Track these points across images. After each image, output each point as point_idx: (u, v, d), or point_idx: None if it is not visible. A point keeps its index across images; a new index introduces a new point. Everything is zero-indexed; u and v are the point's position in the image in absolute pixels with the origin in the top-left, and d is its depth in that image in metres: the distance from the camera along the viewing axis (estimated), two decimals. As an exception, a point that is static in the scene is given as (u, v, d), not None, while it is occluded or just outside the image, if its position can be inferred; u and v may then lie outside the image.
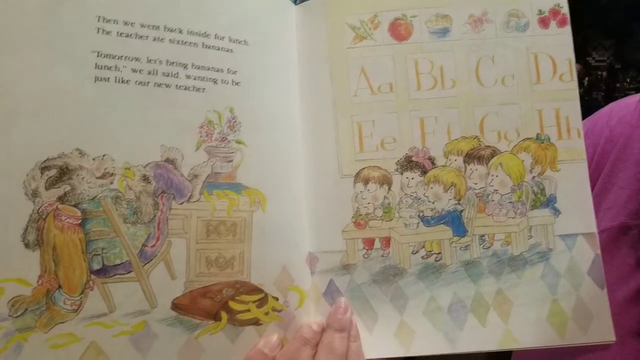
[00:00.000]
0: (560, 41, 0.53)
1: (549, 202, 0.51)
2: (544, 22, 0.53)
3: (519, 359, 0.62)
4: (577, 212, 0.51)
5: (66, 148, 0.43)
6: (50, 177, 0.43)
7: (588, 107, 0.67)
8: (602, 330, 0.49)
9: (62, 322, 0.43)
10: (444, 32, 0.52)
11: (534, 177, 0.52)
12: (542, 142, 0.52)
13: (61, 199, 0.43)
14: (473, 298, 0.50)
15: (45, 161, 0.43)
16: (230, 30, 0.49)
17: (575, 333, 0.50)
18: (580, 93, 0.52)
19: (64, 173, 0.43)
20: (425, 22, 0.52)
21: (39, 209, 0.43)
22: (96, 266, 0.44)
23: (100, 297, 0.44)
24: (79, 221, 0.44)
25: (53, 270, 0.43)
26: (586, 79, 1.60)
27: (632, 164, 0.57)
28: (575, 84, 0.52)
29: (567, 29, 0.53)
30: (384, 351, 0.50)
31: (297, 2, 0.54)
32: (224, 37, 0.49)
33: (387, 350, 0.50)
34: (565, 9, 0.53)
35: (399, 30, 0.52)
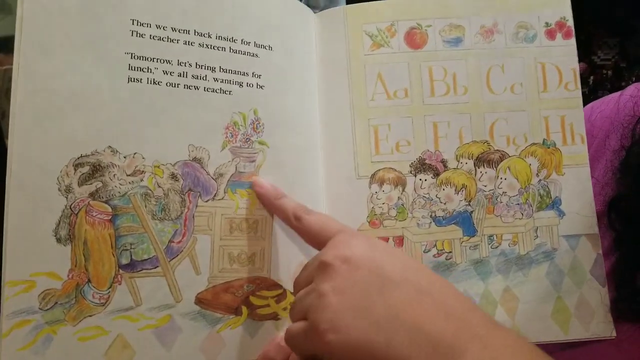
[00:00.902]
0: (566, 52, 0.57)
1: (554, 204, 0.55)
2: (550, 34, 0.57)
3: None
4: (580, 214, 0.55)
5: (99, 146, 0.46)
6: (83, 173, 0.45)
7: None
8: (603, 326, 0.53)
9: (90, 316, 0.45)
10: (457, 41, 0.56)
11: (540, 181, 0.55)
12: (548, 147, 0.55)
13: (93, 195, 0.45)
14: (482, 295, 0.54)
15: (78, 158, 0.45)
16: (256, 36, 0.52)
17: (578, 329, 0.53)
18: (585, 92, 0.56)
19: (97, 170, 0.45)
20: (439, 32, 0.56)
21: (71, 204, 0.45)
22: (124, 261, 0.46)
23: (127, 291, 0.46)
24: (110, 217, 0.46)
25: (83, 264, 0.45)
26: (591, 77, 1.64)
27: (609, 156, 0.60)
28: (579, 92, 0.56)
29: (572, 41, 0.57)
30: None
31: (317, 10, 0.57)
32: (250, 43, 0.52)
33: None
34: (570, 22, 0.57)
35: (415, 39, 0.56)
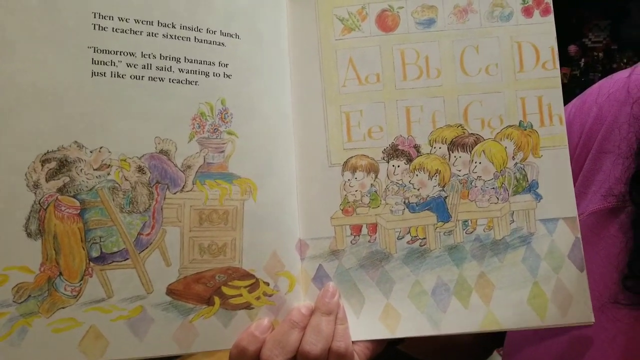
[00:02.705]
0: (544, 30, 0.57)
1: (531, 188, 0.56)
2: (527, 12, 0.57)
3: (510, 336, 0.68)
4: (558, 197, 0.56)
5: (65, 141, 0.48)
6: (50, 169, 0.47)
7: (585, 89, 0.70)
8: (582, 311, 0.54)
9: (63, 308, 0.48)
10: (430, 22, 0.57)
11: (516, 164, 0.56)
12: (525, 129, 0.56)
13: (61, 190, 0.48)
14: (456, 281, 0.55)
15: (45, 154, 0.47)
16: (222, 24, 0.54)
17: (555, 315, 0.54)
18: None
19: (63, 165, 0.48)
20: (411, 13, 0.57)
21: (40, 199, 0.47)
22: (94, 254, 0.49)
23: (98, 283, 0.49)
24: (78, 211, 0.49)
25: (54, 258, 0.48)
26: (582, 60, 1.65)
27: (619, 144, 0.61)
28: (557, 72, 0.57)
29: (550, 18, 0.57)
30: (371, 333, 0.55)
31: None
32: (215, 31, 0.53)
33: (374, 332, 0.55)
34: (549, -1, 0.57)
35: (386, 22, 0.57)
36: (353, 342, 0.54)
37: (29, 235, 0.47)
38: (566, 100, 0.70)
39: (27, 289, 0.47)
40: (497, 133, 0.56)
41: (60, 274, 0.48)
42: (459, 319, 0.55)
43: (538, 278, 0.55)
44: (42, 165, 0.47)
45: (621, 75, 0.66)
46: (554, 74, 0.56)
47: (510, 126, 0.56)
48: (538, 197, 0.56)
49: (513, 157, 0.56)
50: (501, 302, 0.55)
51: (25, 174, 0.47)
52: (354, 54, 0.57)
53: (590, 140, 0.64)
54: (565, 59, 1.72)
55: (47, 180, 0.47)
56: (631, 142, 0.59)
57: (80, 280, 0.49)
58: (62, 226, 0.48)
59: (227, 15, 0.54)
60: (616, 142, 0.61)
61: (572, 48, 1.62)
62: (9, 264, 0.46)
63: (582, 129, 0.65)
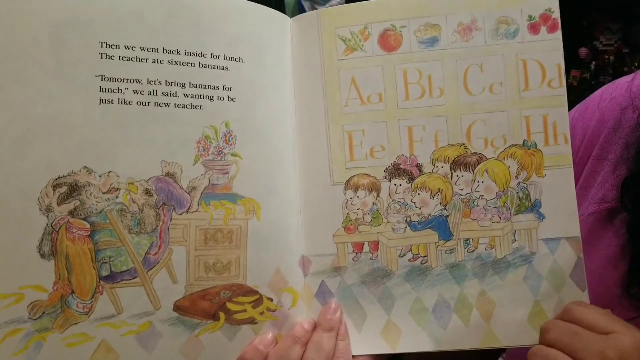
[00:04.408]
0: (551, 47, 0.57)
1: (534, 207, 0.57)
2: (534, 29, 0.57)
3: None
4: (562, 217, 0.56)
5: (75, 167, 0.51)
6: (61, 193, 0.51)
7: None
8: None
9: (76, 324, 0.51)
10: (433, 41, 0.57)
11: (519, 183, 0.57)
12: (529, 149, 0.57)
13: (72, 213, 0.51)
14: (457, 299, 0.57)
15: (57, 179, 0.50)
16: (226, 49, 0.56)
17: (556, 333, 0.56)
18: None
19: (74, 190, 0.51)
20: (414, 33, 0.57)
21: (52, 222, 0.50)
22: (105, 273, 0.52)
23: (109, 300, 0.52)
24: (89, 233, 0.52)
25: (66, 277, 0.51)
26: (593, 63, 1.62)
27: (620, 148, 0.61)
28: (564, 90, 0.57)
29: (558, 35, 0.57)
30: (372, 349, 0.57)
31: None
32: (219, 56, 0.55)
33: (375, 348, 0.57)
34: (557, 14, 0.57)
35: (389, 41, 0.58)
36: (354, 357, 0.56)
37: (43, 256, 0.50)
38: (576, 104, 0.71)
39: (42, 306, 0.50)
40: (501, 152, 0.57)
41: (73, 292, 0.51)
42: (460, 336, 0.56)
43: (539, 297, 0.56)
44: (54, 190, 0.50)
45: (624, 80, 0.66)
46: (560, 92, 0.56)
47: (514, 145, 0.57)
48: (541, 216, 0.57)
49: (516, 176, 0.57)
50: (502, 320, 0.56)
51: (38, 199, 0.50)
52: (357, 74, 0.58)
53: (591, 144, 0.65)
54: (575, 62, 1.74)
55: (58, 204, 0.51)
56: (630, 146, 0.60)
57: (92, 298, 0.52)
58: (73, 247, 0.51)
59: (231, 40, 0.56)
60: (616, 147, 0.62)
61: (583, 51, 1.59)
62: (24, 283, 0.50)
63: (585, 133, 0.66)
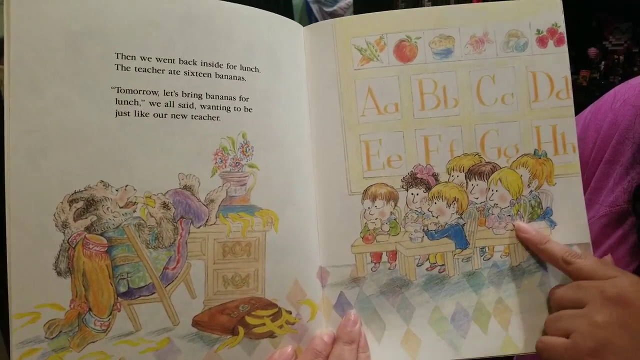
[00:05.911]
0: (558, 60, 0.59)
1: (546, 215, 0.58)
2: (542, 42, 0.59)
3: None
4: (572, 224, 0.58)
5: (91, 181, 0.50)
6: (78, 208, 0.49)
7: (604, 92, 0.71)
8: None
9: (93, 342, 0.50)
10: (447, 53, 0.58)
11: (531, 191, 0.58)
12: (540, 158, 0.58)
13: (88, 228, 0.50)
14: (475, 307, 0.58)
15: (73, 194, 0.49)
16: (242, 58, 0.55)
17: (571, 337, 0.57)
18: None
19: (90, 204, 0.50)
20: (429, 44, 0.58)
21: (68, 239, 0.49)
22: (122, 289, 0.51)
23: (127, 317, 0.51)
24: (105, 248, 0.50)
25: (83, 294, 0.50)
26: (602, 63, 1.66)
27: (632, 151, 0.63)
28: (571, 101, 0.59)
29: (564, 48, 0.59)
30: (392, 359, 0.57)
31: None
32: (235, 66, 0.55)
33: (395, 358, 0.57)
34: (562, 29, 0.59)
35: (404, 52, 0.58)
36: (375, 367, 0.56)
37: (59, 273, 0.49)
38: (585, 104, 0.73)
39: (58, 325, 0.49)
40: (513, 161, 0.58)
41: (90, 309, 0.50)
42: (479, 344, 0.57)
43: (554, 303, 0.57)
44: (70, 205, 0.49)
45: (637, 80, 0.68)
46: (567, 104, 0.58)
47: (525, 155, 0.58)
48: (552, 223, 0.58)
49: (528, 184, 0.58)
50: (519, 326, 0.57)
51: (54, 215, 0.48)
52: (373, 83, 0.58)
53: (604, 146, 0.66)
54: (585, 62, 1.78)
55: (75, 220, 0.49)
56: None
57: (109, 315, 0.50)
58: (90, 264, 0.50)
59: (246, 50, 0.56)
60: (627, 150, 0.63)
61: (592, 51, 1.63)
62: (40, 301, 0.48)
63: (597, 135, 0.67)
